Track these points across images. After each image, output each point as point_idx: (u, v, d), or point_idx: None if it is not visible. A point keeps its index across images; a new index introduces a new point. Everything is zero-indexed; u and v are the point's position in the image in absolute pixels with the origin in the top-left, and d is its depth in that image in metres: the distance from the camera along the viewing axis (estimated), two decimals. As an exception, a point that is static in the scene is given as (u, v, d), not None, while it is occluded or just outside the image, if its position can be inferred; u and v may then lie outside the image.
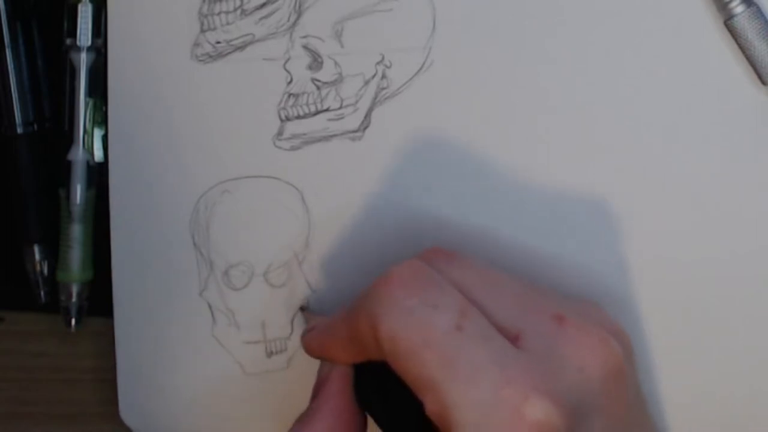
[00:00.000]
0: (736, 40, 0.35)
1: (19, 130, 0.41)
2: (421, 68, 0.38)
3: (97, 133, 0.40)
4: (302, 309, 0.40)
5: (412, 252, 0.38)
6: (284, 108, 0.39)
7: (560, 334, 0.30)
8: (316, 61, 0.38)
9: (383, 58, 0.38)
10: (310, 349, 0.35)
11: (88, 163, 0.40)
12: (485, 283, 0.31)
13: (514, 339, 0.30)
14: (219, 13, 0.38)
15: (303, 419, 0.33)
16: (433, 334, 0.29)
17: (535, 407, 0.27)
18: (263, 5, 0.38)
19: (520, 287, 0.32)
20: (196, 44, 0.39)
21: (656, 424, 0.35)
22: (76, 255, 0.41)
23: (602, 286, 0.37)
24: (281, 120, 0.39)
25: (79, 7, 0.39)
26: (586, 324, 0.30)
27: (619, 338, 0.31)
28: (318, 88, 0.38)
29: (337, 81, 0.38)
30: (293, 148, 0.39)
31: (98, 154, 0.40)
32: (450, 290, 0.30)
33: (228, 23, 0.39)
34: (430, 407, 0.29)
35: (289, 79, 0.38)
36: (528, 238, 0.37)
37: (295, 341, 0.39)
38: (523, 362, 0.28)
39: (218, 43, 0.39)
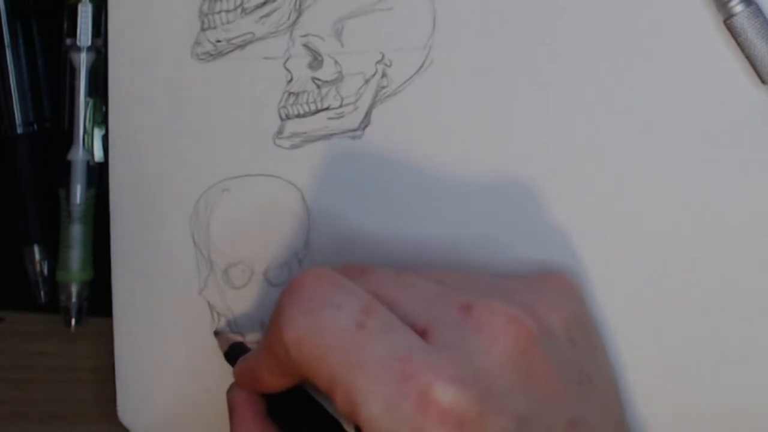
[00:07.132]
0: (735, 39, 0.35)
1: (19, 130, 0.41)
2: (421, 67, 0.38)
3: (97, 133, 0.40)
4: (216, 333, 0.39)
5: (411, 251, 0.38)
6: (284, 106, 0.39)
7: (467, 323, 0.30)
8: (316, 60, 0.38)
9: (383, 57, 0.38)
10: (241, 382, 0.35)
11: (88, 163, 0.41)
12: (395, 284, 0.32)
13: (422, 333, 0.30)
14: (219, 12, 0.39)
15: None
16: (335, 333, 0.29)
17: (440, 395, 0.27)
18: (264, 4, 0.38)
19: (431, 285, 0.32)
20: (197, 43, 0.39)
21: (615, 405, 0.34)
22: (75, 255, 0.41)
23: (602, 285, 0.37)
24: (281, 119, 0.39)
25: (79, 7, 0.39)
26: (493, 307, 0.30)
27: (555, 312, 0.32)
28: (318, 86, 0.38)
29: (338, 80, 0.38)
30: (293, 147, 0.39)
31: (98, 154, 0.41)
32: (353, 289, 0.30)
33: (228, 22, 0.39)
34: (341, 406, 0.29)
35: (289, 78, 0.39)
36: (528, 237, 0.37)
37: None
38: (429, 353, 0.29)
39: (219, 41, 0.39)
